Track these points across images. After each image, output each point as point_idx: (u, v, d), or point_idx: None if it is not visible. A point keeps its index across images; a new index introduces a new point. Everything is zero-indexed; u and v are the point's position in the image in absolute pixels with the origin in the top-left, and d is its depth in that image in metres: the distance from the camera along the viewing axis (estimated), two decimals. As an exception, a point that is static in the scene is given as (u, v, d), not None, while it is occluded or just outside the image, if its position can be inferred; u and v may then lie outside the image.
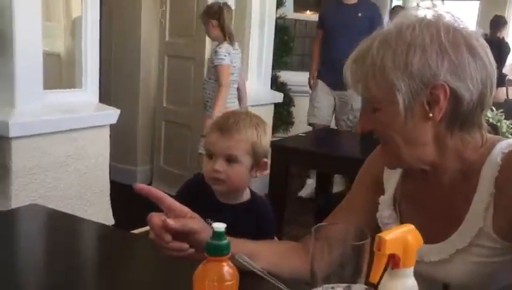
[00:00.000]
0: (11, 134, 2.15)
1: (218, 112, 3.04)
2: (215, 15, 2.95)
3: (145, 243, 1.35)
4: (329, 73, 3.66)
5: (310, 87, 3.94)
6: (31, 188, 2.27)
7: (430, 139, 0.89)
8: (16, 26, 2.15)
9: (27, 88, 2.24)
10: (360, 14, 3.69)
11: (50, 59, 2.44)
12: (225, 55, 2.93)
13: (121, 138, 3.53)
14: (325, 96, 3.81)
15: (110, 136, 2.72)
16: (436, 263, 0.92)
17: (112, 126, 2.72)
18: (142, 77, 3.87)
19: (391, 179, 1.05)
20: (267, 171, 1.39)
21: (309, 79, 3.94)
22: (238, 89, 3.19)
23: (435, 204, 0.96)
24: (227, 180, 1.29)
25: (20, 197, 2.22)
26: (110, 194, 2.79)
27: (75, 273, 1.15)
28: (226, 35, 2.98)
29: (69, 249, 1.28)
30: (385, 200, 1.04)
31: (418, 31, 0.86)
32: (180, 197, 1.46)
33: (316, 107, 3.83)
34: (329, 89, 3.79)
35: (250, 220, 1.33)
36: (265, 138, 1.34)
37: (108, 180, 2.75)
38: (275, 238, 1.45)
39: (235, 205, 1.37)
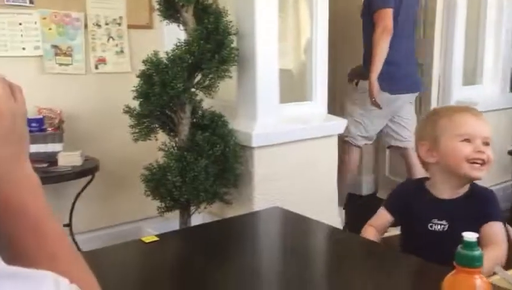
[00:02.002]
0: (254, 144, 2.40)
1: None
2: None
3: (375, 248, 1.37)
4: None
5: None
6: (270, 193, 2.49)
7: None
8: (258, 48, 2.41)
9: (266, 102, 2.48)
10: None
11: (283, 75, 2.65)
12: None
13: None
14: None
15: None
16: None
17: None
18: (366, 87, 3.90)
19: None
20: None
21: None
22: None
23: None
24: (487, 163, 1.31)
25: (261, 201, 2.45)
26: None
27: (307, 271, 1.23)
28: None
29: (304, 248, 1.38)
30: None
31: None
32: (394, 203, 1.48)
33: None
34: None
35: (471, 209, 1.31)
36: None
37: (337, 188, 2.84)
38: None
39: (455, 199, 1.36)
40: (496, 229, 1.29)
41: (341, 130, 2.79)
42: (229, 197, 2.44)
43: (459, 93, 3.55)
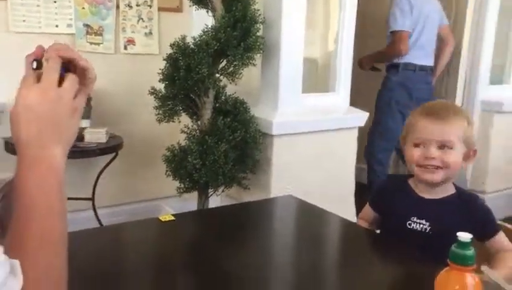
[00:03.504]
0: (274, 132, 2.44)
1: None
2: None
3: (388, 242, 1.39)
4: None
5: None
6: (286, 181, 2.53)
7: None
8: (283, 38, 2.43)
9: (288, 91, 2.51)
10: None
11: (307, 64, 2.67)
12: None
13: (365, 140, 3.62)
14: None
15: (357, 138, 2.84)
16: None
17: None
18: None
19: None
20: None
21: None
22: None
23: None
24: (443, 168, 1.26)
25: (277, 188, 2.49)
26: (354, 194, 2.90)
27: (317, 259, 1.26)
28: None
29: (313, 237, 1.41)
30: None
31: None
32: (375, 199, 1.49)
33: None
34: None
35: (459, 215, 1.28)
36: (473, 127, 1.33)
37: (354, 181, 2.86)
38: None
39: (438, 199, 1.32)
40: (502, 238, 1.28)
41: (362, 123, 2.80)
42: (247, 182, 2.49)
43: (485, 93, 3.50)
